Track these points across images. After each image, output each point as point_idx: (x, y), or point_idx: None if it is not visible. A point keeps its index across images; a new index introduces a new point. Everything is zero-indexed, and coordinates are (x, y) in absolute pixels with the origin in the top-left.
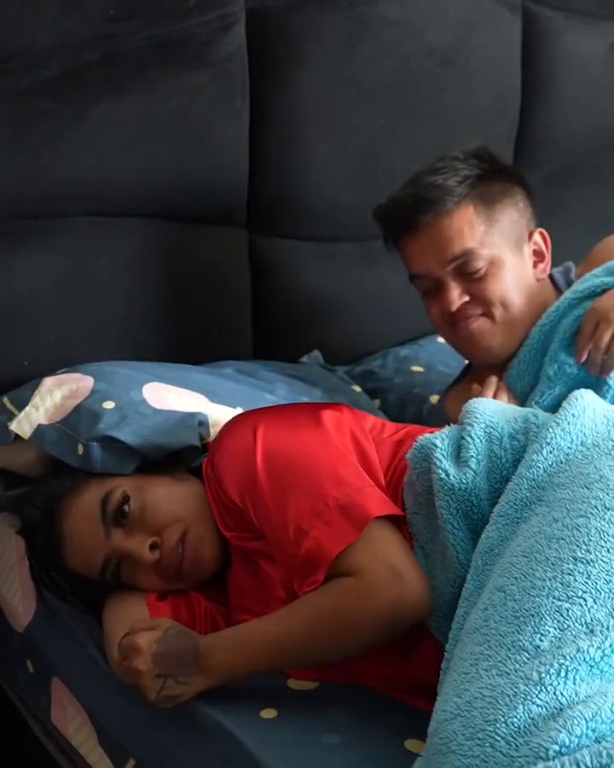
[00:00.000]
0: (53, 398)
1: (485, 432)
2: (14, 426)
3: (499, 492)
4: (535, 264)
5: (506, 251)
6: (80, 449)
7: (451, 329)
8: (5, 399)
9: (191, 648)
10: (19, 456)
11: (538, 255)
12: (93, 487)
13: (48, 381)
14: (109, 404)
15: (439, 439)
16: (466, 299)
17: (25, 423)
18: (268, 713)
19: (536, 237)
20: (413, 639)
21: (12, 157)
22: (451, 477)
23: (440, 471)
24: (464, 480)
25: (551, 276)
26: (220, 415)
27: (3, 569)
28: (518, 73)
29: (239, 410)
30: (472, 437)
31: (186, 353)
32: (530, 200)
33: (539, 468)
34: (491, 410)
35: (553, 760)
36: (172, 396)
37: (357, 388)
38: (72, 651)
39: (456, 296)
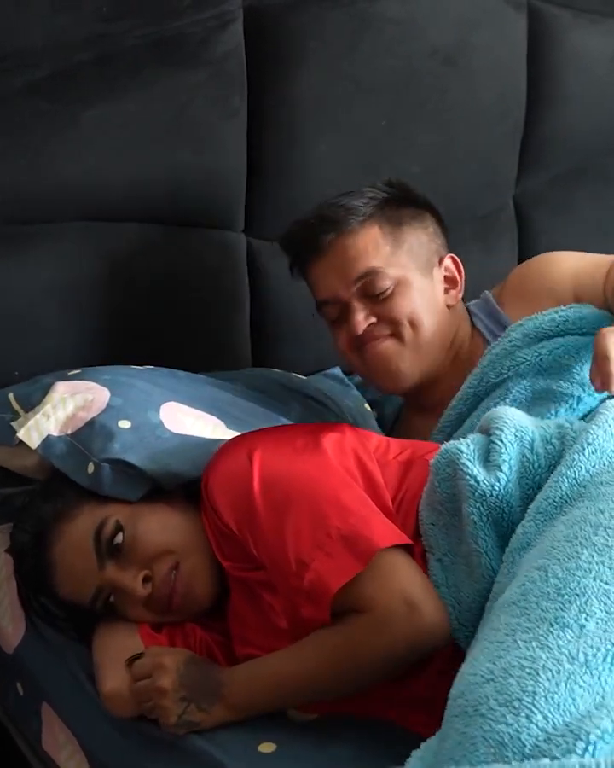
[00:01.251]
0: (65, 408)
1: (516, 436)
2: (21, 434)
3: (531, 499)
4: (446, 291)
5: (414, 272)
6: (91, 468)
7: (358, 355)
8: (10, 396)
9: (216, 676)
10: (19, 459)
11: (450, 281)
12: (86, 514)
13: (61, 388)
14: (125, 424)
15: (464, 444)
16: (373, 320)
17: (33, 432)
18: (266, 747)
19: (448, 263)
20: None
21: (4, 159)
22: (481, 483)
23: (468, 476)
24: (496, 486)
25: (468, 309)
26: None
27: None
28: (523, 73)
29: None
30: (502, 441)
31: (182, 362)
32: (441, 228)
33: (580, 467)
34: (519, 415)
35: (593, 744)
36: (189, 420)
37: (368, 407)
38: (63, 677)
39: (362, 318)
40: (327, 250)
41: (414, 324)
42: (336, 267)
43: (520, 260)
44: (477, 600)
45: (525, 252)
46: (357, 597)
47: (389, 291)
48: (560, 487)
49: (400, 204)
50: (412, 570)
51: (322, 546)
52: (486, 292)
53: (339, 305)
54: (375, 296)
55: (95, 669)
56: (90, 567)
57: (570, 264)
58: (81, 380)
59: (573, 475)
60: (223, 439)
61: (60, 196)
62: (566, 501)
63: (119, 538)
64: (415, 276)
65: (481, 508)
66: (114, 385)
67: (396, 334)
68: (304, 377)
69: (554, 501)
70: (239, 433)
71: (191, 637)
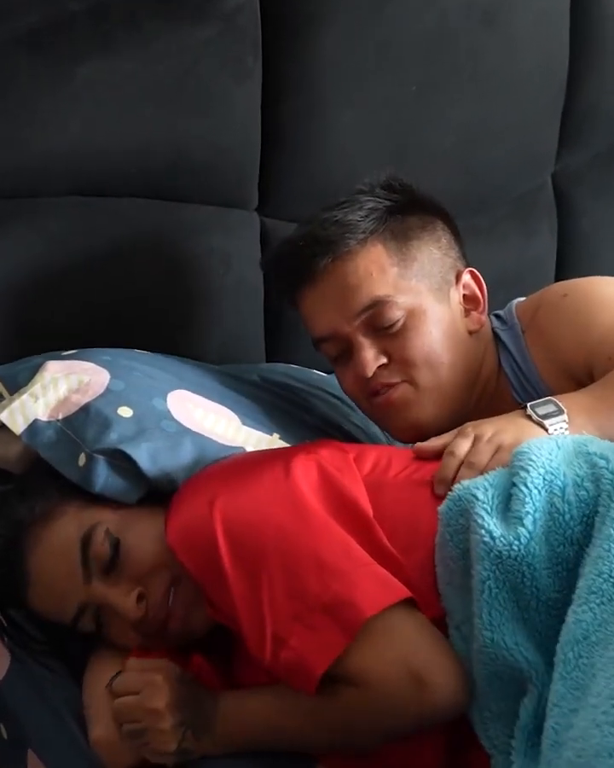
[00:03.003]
0: (57, 389)
1: (544, 480)
2: (4, 416)
3: (562, 558)
4: (466, 313)
5: (427, 298)
6: (82, 459)
7: (369, 402)
8: None
9: (211, 699)
10: (0, 447)
11: (470, 301)
12: (69, 516)
13: (52, 367)
14: (126, 411)
15: (481, 488)
16: (383, 360)
17: (18, 415)
18: None
19: (466, 279)
20: None
21: None
22: (497, 540)
23: (482, 531)
24: (515, 544)
25: (495, 333)
26: (255, 443)
27: None
28: (566, 35)
29: (275, 438)
30: (526, 486)
31: (188, 355)
32: (455, 236)
33: None
34: (548, 449)
35: None
36: (200, 411)
37: None
38: (49, 722)
39: (371, 357)
40: (321, 277)
41: (432, 365)
42: (334, 298)
43: (560, 247)
44: (494, 684)
45: (566, 236)
46: (349, 671)
47: (399, 323)
48: None
49: (405, 212)
50: (414, 630)
51: (301, 618)
52: (512, 306)
53: (341, 341)
54: (383, 329)
55: (85, 710)
56: (74, 580)
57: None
58: (77, 360)
59: None
60: (234, 447)
61: (46, 166)
62: None
63: (112, 549)
64: (429, 303)
65: (495, 572)
66: (115, 367)
67: (412, 380)
68: (325, 374)
69: (611, 576)
70: (258, 432)
71: (188, 666)
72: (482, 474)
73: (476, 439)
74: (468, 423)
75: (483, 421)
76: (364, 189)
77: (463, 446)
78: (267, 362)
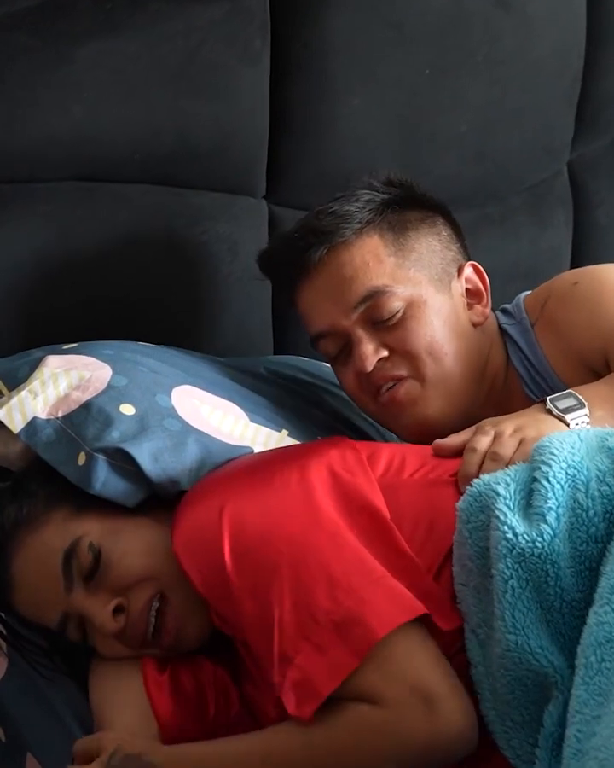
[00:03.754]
0: (57, 386)
1: (566, 474)
2: (1, 414)
3: (584, 557)
4: (469, 306)
5: (427, 288)
6: (82, 458)
7: (373, 401)
8: None
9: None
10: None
11: (473, 295)
12: (55, 524)
13: (52, 362)
14: (128, 409)
15: (502, 483)
16: (384, 354)
17: (16, 412)
18: None
19: (468, 272)
20: None
21: None
22: (520, 537)
23: (504, 527)
24: (538, 541)
25: (502, 328)
26: (263, 441)
27: None
28: (583, 19)
29: (284, 435)
30: (548, 481)
31: (192, 347)
32: (456, 231)
33: None
34: (570, 443)
35: None
36: (206, 408)
37: None
38: (49, 726)
39: (371, 351)
40: (317, 269)
41: (435, 356)
42: (331, 290)
43: (575, 238)
44: (517, 691)
45: (581, 227)
46: (357, 690)
47: (399, 314)
48: None
49: (403, 206)
50: (426, 653)
51: (309, 636)
52: (520, 300)
53: (339, 336)
54: (383, 321)
55: (94, 716)
56: (55, 590)
57: None
58: (78, 354)
59: None
60: (241, 447)
61: (47, 151)
62: None
63: (94, 560)
64: (430, 293)
65: (518, 570)
66: (117, 362)
67: (416, 373)
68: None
69: None
70: (266, 428)
71: (203, 674)
72: (507, 467)
73: (497, 435)
74: (486, 420)
75: (502, 417)
76: (362, 185)
77: (484, 441)
78: (275, 353)
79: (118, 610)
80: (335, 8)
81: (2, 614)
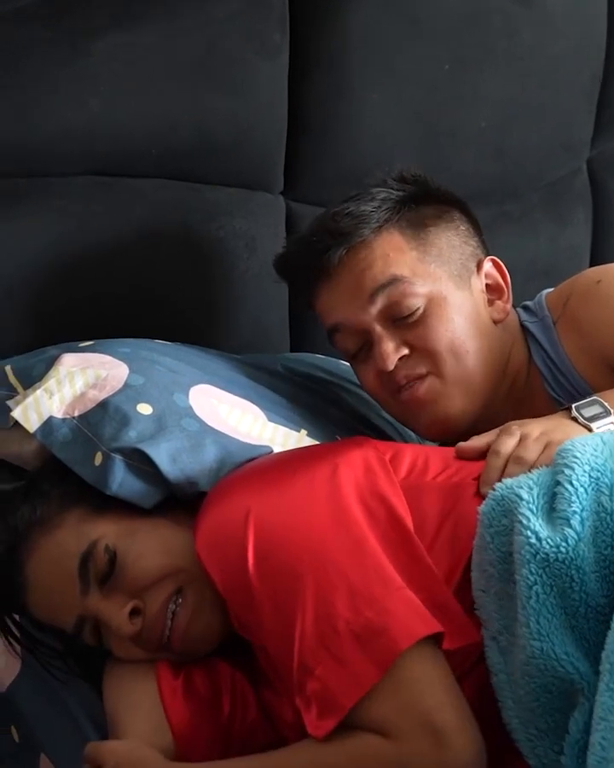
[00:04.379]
0: (73, 384)
1: (590, 477)
2: (17, 413)
3: (609, 561)
4: (490, 302)
5: (447, 284)
6: (98, 458)
7: (394, 399)
8: (7, 368)
9: None
10: (14, 445)
11: (494, 290)
12: (70, 527)
13: (68, 360)
14: (145, 408)
15: (525, 487)
16: (405, 352)
17: (32, 411)
18: None
19: (488, 267)
20: None
21: None
22: (544, 542)
23: (528, 532)
24: (563, 546)
25: (523, 326)
26: (282, 441)
27: None
28: (604, 15)
29: (303, 435)
30: (572, 484)
31: (209, 341)
32: (474, 226)
33: None
34: (593, 446)
35: None
36: (224, 407)
37: None
38: (63, 726)
39: (391, 349)
40: (336, 270)
41: (456, 353)
42: (350, 287)
43: (595, 236)
44: (542, 698)
45: (601, 225)
46: (369, 716)
47: (420, 311)
48: None
49: (420, 202)
50: (440, 677)
51: (329, 646)
52: (542, 297)
53: (357, 332)
54: (403, 318)
55: (108, 721)
56: (71, 592)
57: None
58: (94, 352)
59: None
60: (260, 446)
61: (62, 145)
62: None
63: (110, 565)
64: (450, 289)
65: (542, 576)
66: (134, 360)
67: (437, 371)
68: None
69: None
70: (284, 427)
71: (222, 678)
72: (531, 470)
73: (523, 438)
74: (512, 422)
75: (528, 420)
76: (375, 183)
77: (508, 444)
78: (291, 351)
79: (134, 613)
80: (354, 2)
81: (16, 616)
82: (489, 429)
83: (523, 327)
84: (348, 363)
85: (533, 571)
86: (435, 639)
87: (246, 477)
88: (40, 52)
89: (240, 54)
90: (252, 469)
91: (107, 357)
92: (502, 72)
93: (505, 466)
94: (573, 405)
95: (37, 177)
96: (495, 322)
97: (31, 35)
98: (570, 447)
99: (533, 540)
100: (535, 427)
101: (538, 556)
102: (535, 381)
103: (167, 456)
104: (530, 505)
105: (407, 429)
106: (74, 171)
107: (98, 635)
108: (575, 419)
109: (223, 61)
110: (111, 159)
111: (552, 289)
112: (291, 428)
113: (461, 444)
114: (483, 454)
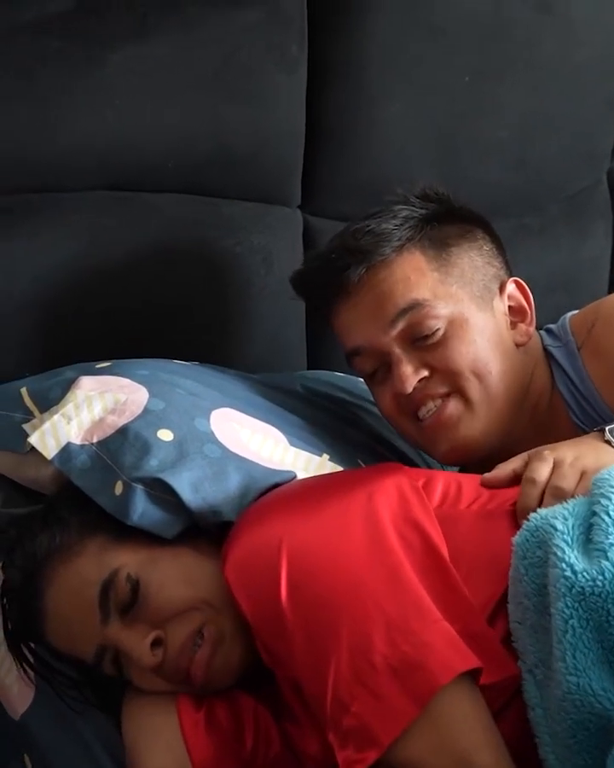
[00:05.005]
0: (91, 409)
1: None
2: (34, 439)
3: None
4: (513, 325)
5: (469, 306)
6: (119, 487)
7: (411, 422)
8: (23, 390)
9: None
10: (31, 470)
11: (517, 313)
12: (90, 555)
13: (86, 384)
14: (166, 435)
15: (560, 518)
16: (424, 374)
17: (49, 437)
18: None
19: (511, 289)
20: None
21: (9, 112)
22: (580, 575)
23: (563, 565)
24: (599, 580)
25: (546, 351)
26: (304, 465)
27: None
28: None
29: (325, 459)
30: (610, 515)
31: (225, 357)
32: (497, 246)
33: None
34: None
35: None
36: (246, 432)
37: None
38: (78, 756)
39: (410, 371)
40: (356, 289)
41: (479, 375)
42: (370, 308)
43: None
44: (579, 735)
45: None
46: (405, 755)
47: (440, 333)
48: None
49: (442, 221)
50: (477, 717)
51: (366, 682)
52: (566, 321)
53: (376, 355)
54: (422, 339)
55: (127, 754)
56: (91, 621)
57: None
58: (112, 375)
59: None
60: (283, 471)
61: (78, 159)
62: None
63: (132, 595)
64: (471, 311)
65: (577, 610)
66: (154, 383)
67: (459, 391)
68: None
69: None
70: (307, 452)
71: (244, 712)
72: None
73: (556, 464)
74: (543, 447)
75: (559, 444)
76: (397, 199)
77: (543, 471)
78: (308, 369)
79: (156, 643)
80: (373, 13)
81: (32, 645)
82: (510, 457)
83: (546, 351)
84: (365, 383)
85: (569, 604)
86: (472, 674)
87: (278, 503)
88: (56, 63)
89: (258, 66)
90: (283, 495)
91: (126, 381)
92: (523, 82)
93: (542, 495)
94: (607, 428)
95: (51, 191)
96: (518, 345)
97: (47, 46)
98: (607, 476)
99: (568, 573)
100: (568, 453)
101: (574, 590)
102: (558, 407)
103: (189, 486)
104: (565, 536)
105: None
106: (89, 186)
107: (118, 665)
108: (608, 442)
109: (240, 73)
110: (126, 172)
111: (576, 312)
112: (313, 453)
113: (487, 475)
114: (510, 482)
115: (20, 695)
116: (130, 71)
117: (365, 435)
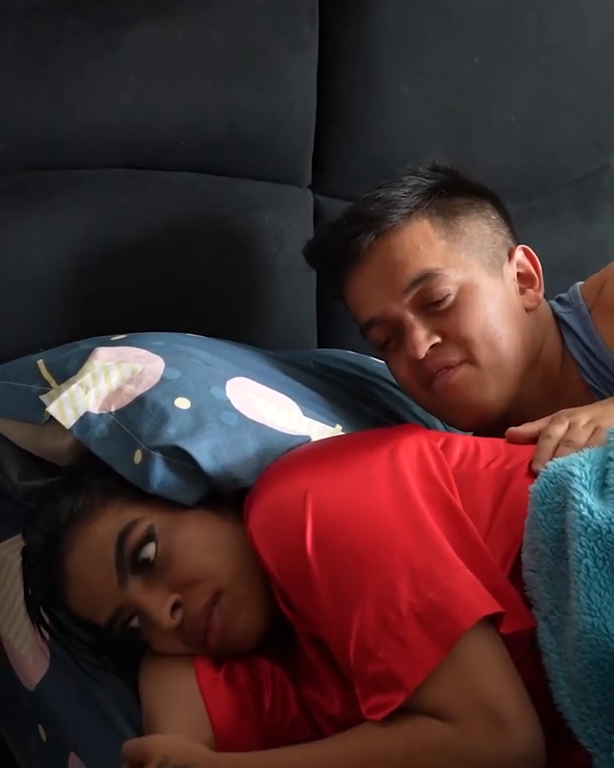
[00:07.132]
0: (109, 379)
1: None
2: (53, 408)
3: None
4: (522, 291)
5: (479, 272)
6: (138, 456)
7: (426, 389)
8: (40, 362)
9: None
10: (49, 441)
11: (525, 279)
12: (111, 514)
13: (103, 354)
14: (183, 403)
15: (577, 465)
16: (437, 340)
17: (68, 407)
18: None
19: (519, 256)
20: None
21: (24, 91)
22: (595, 514)
23: (580, 506)
24: None
25: (557, 317)
26: (317, 435)
27: (10, 609)
28: None
29: (338, 429)
30: None
31: (235, 334)
32: (504, 216)
33: None
34: None
35: None
36: (261, 401)
37: None
38: (94, 723)
39: (423, 337)
40: (366, 256)
41: (489, 341)
42: (381, 277)
43: None
44: (594, 675)
45: None
46: (429, 700)
47: (451, 298)
48: None
49: (451, 192)
50: (500, 664)
51: (391, 628)
52: (576, 288)
53: (390, 323)
54: (434, 305)
55: (144, 717)
56: (110, 582)
57: None
58: (128, 346)
59: None
60: (298, 436)
61: (92, 138)
62: None
63: (149, 549)
64: (482, 277)
65: (594, 549)
66: (170, 353)
67: (471, 358)
68: (382, 361)
69: None
70: (320, 423)
71: (261, 673)
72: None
73: (572, 424)
74: (562, 411)
75: (577, 408)
76: (406, 172)
77: (559, 430)
78: (319, 346)
79: (175, 606)
80: None
81: (51, 611)
82: (524, 421)
83: (556, 317)
84: (380, 361)
85: (583, 544)
86: (493, 622)
87: (301, 459)
88: (71, 42)
89: (270, 47)
90: (305, 452)
91: (142, 351)
92: (533, 65)
93: (556, 448)
94: None
95: (67, 169)
96: (527, 310)
97: (63, 25)
98: None
99: (585, 513)
100: (585, 414)
101: (589, 529)
102: (571, 371)
103: (208, 453)
104: (583, 480)
105: (438, 427)
106: (104, 164)
107: (135, 629)
108: None
109: (252, 54)
110: (141, 151)
111: (585, 281)
112: (325, 424)
113: (513, 428)
114: (533, 439)
115: (35, 665)
116: (145, 50)
117: (377, 411)
